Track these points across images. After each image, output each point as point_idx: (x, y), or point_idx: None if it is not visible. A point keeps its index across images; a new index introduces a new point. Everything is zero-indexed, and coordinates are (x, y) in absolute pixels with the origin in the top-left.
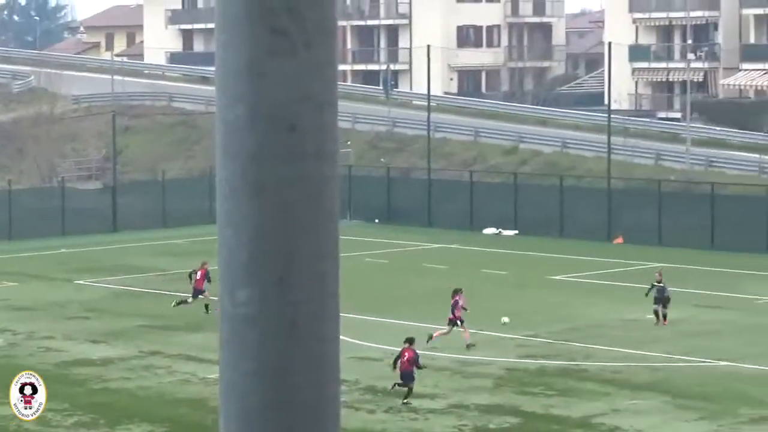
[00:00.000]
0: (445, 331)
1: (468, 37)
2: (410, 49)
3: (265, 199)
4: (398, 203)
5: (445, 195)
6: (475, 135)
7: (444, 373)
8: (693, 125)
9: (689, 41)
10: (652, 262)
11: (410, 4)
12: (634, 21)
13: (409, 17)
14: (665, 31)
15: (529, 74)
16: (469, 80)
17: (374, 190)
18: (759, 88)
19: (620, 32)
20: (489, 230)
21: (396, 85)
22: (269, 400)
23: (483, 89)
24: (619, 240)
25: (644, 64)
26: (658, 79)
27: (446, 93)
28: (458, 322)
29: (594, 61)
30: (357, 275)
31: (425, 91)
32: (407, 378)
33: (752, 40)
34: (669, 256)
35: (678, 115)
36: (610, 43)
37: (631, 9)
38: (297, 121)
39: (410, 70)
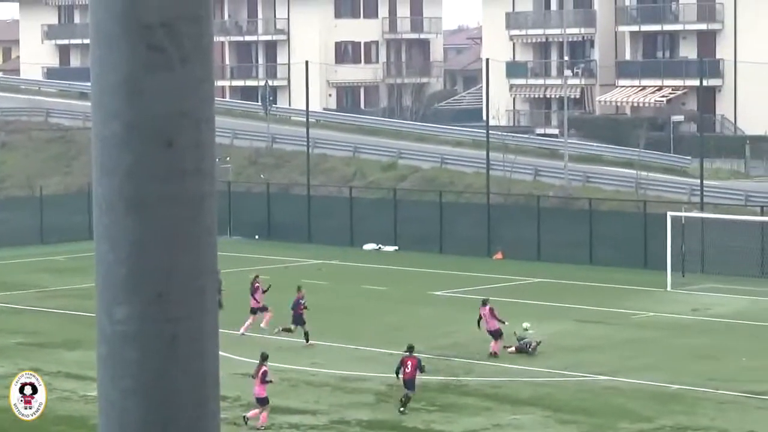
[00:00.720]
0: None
1: (346, 53)
2: (289, 65)
3: (142, 216)
4: (278, 219)
5: (325, 211)
6: (354, 151)
7: (325, 388)
8: (570, 141)
9: (566, 58)
10: (531, 278)
11: (288, 20)
12: (512, 37)
13: (288, 33)
14: (542, 48)
15: (408, 90)
16: (347, 96)
17: (254, 206)
18: (635, 104)
19: (498, 48)
20: (369, 246)
21: (275, 101)
22: (149, 417)
23: (362, 105)
24: (499, 255)
25: (522, 81)
26: (536, 96)
27: (325, 109)
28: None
29: (472, 78)
30: (237, 292)
31: (304, 107)
32: (410, 386)
33: (628, 57)
34: (548, 271)
35: (556, 131)
36: (487, 60)
37: (509, 26)
38: (174, 137)
39: (289, 86)
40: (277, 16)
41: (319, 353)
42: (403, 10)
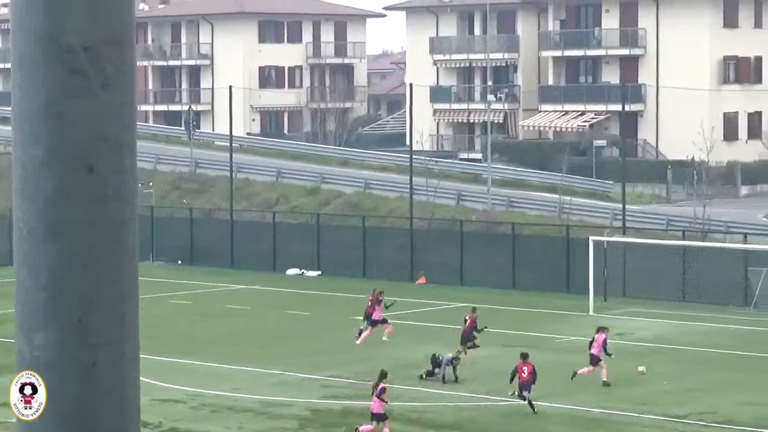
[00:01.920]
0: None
1: (270, 77)
2: (212, 89)
3: (63, 241)
4: (201, 244)
5: (248, 236)
6: (278, 176)
7: (247, 414)
8: (494, 166)
9: (489, 83)
10: (454, 302)
11: (212, 45)
12: (435, 62)
13: (211, 58)
14: (466, 73)
15: (332, 115)
16: (271, 121)
17: (177, 231)
18: (558, 129)
19: (422, 73)
20: (292, 271)
21: (198, 126)
22: None
23: (285, 130)
24: (422, 280)
25: (445, 105)
26: (459, 120)
27: (249, 134)
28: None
29: (396, 102)
30: (160, 317)
31: (227, 132)
32: (527, 388)
33: (550, 82)
34: (471, 296)
35: (479, 155)
36: (411, 84)
37: (432, 50)
38: (95, 162)
39: (212, 110)
40: (200, 41)
41: (241, 378)
42: (327, 35)
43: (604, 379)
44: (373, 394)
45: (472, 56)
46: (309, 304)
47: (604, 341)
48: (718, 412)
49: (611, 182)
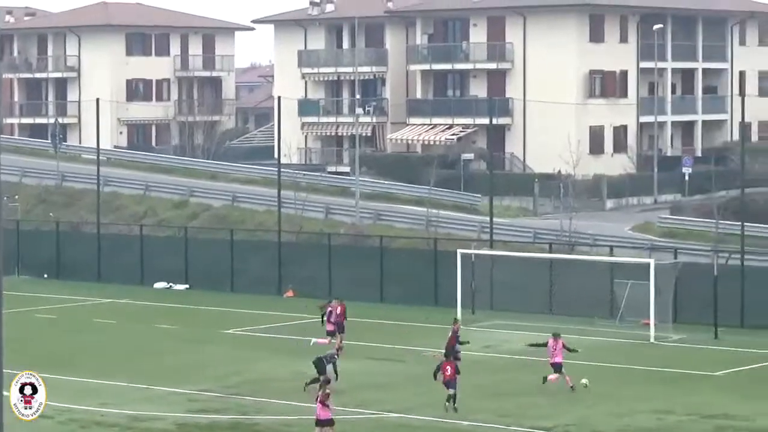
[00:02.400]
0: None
1: (138, 90)
2: (79, 102)
3: None
4: (68, 258)
5: (115, 249)
6: (146, 189)
7: (114, 429)
8: (362, 179)
9: (358, 96)
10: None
11: (79, 57)
12: (304, 75)
13: (78, 70)
14: (334, 86)
15: (199, 128)
16: (139, 134)
17: (43, 245)
18: (425, 142)
19: (290, 86)
20: (160, 284)
21: (65, 139)
22: None
23: (153, 143)
24: (290, 294)
25: (314, 119)
26: (328, 134)
27: (116, 147)
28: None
29: (264, 115)
30: (26, 331)
31: (95, 145)
32: (452, 385)
33: (419, 95)
34: None
35: (347, 169)
36: (279, 98)
37: (300, 64)
38: None
39: (79, 123)
40: (67, 53)
41: (108, 393)
42: (195, 48)
43: (571, 385)
44: (317, 400)
45: (341, 69)
46: (177, 318)
47: (563, 346)
48: (585, 424)
49: (479, 195)
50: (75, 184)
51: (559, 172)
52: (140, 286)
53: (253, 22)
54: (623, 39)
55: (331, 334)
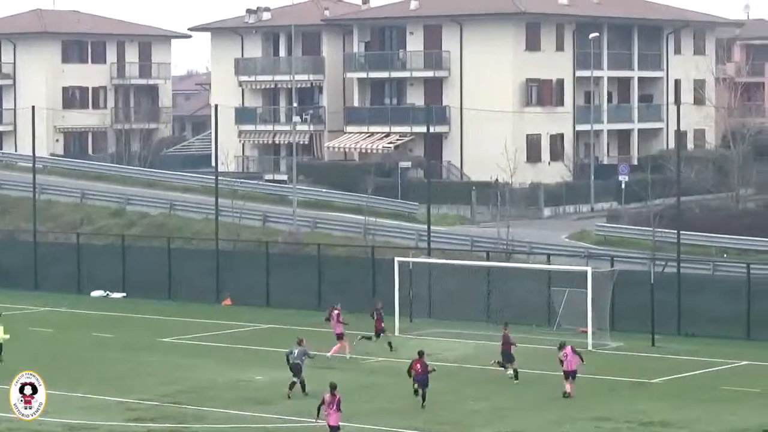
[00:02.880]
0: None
1: (74, 98)
2: (15, 110)
3: None
4: (4, 266)
5: (52, 257)
6: (82, 197)
7: None
8: (299, 187)
9: (295, 104)
10: (260, 324)
11: (15, 64)
12: (241, 83)
13: (14, 78)
14: (271, 94)
15: (136, 136)
16: (75, 142)
17: None
18: (363, 150)
19: (227, 94)
20: (97, 293)
21: (0, 147)
22: None
23: (90, 151)
24: (228, 302)
25: (251, 127)
26: (265, 142)
27: (52, 154)
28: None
29: (201, 123)
30: None
31: (30, 153)
32: (423, 382)
33: (356, 103)
34: (277, 317)
35: (285, 177)
36: (216, 106)
37: (237, 72)
38: None
39: (15, 131)
40: (2, 61)
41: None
42: (132, 56)
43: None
44: (328, 408)
45: (278, 78)
46: (114, 326)
47: (572, 350)
48: (524, 431)
49: (416, 203)
50: (11, 192)
51: (497, 180)
52: (77, 294)
53: (190, 29)
54: (559, 48)
55: (339, 337)
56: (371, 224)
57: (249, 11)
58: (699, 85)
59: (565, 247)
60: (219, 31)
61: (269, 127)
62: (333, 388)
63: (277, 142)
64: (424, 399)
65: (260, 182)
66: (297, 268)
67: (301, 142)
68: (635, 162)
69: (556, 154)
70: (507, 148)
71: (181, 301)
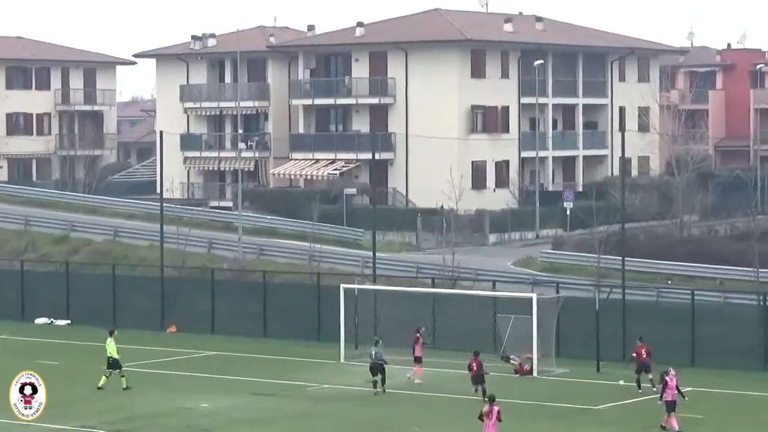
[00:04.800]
0: None
1: (18, 124)
2: None
3: None
4: None
5: None
6: (26, 224)
7: None
8: (244, 214)
9: (240, 131)
10: (205, 351)
11: None
12: (186, 110)
13: None
14: (217, 121)
15: (81, 162)
16: (19, 168)
17: None
18: (308, 177)
19: (172, 121)
20: (41, 320)
21: None
22: None
23: (34, 177)
24: (173, 329)
25: (196, 153)
26: (210, 168)
27: None
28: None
29: (146, 150)
30: None
31: None
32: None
33: (301, 130)
34: (222, 344)
35: (230, 203)
36: (161, 132)
37: (183, 98)
38: None
39: None
40: None
41: None
42: (77, 82)
43: (677, 429)
44: (487, 419)
45: (223, 104)
46: (59, 354)
47: (676, 384)
48: None
49: (362, 230)
50: None
51: (442, 206)
52: (21, 321)
53: (135, 56)
54: (504, 74)
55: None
56: (316, 251)
57: (194, 38)
58: (643, 112)
59: (510, 273)
60: (164, 57)
61: (214, 154)
62: (492, 400)
63: (222, 168)
64: (484, 393)
65: (205, 209)
66: (242, 295)
67: (247, 169)
68: (580, 189)
69: (502, 181)
70: (452, 175)
71: (125, 328)
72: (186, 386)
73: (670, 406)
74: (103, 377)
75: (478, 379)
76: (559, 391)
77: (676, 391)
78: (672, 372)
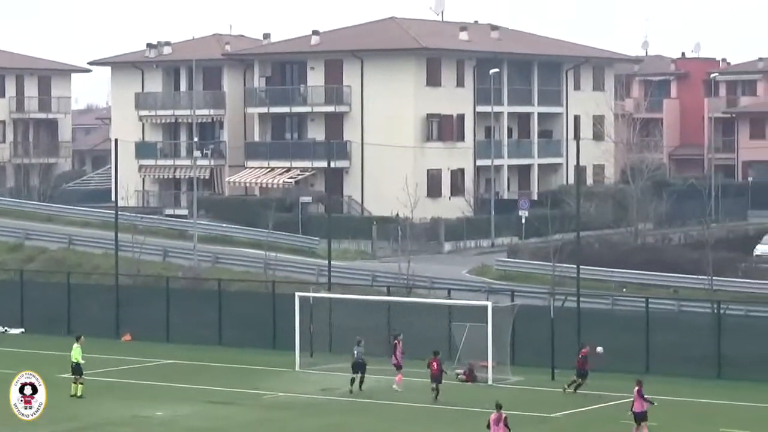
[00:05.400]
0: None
1: None
2: None
3: None
4: None
5: None
6: None
7: None
8: (200, 222)
9: (195, 139)
10: (160, 359)
11: None
12: (141, 118)
13: None
14: (172, 129)
15: (35, 170)
16: None
17: None
18: (264, 185)
19: (127, 129)
20: None
21: None
22: None
23: None
24: (127, 337)
25: (151, 161)
26: (165, 176)
27: None
28: None
29: (101, 158)
30: None
31: None
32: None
33: (257, 138)
34: (177, 352)
35: (185, 211)
36: (116, 140)
37: (138, 106)
38: None
39: None
40: None
41: None
42: (31, 90)
43: None
44: (495, 426)
45: (179, 112)
46: (12, 363)
47: (640, 393)
48: None
49: (317, 238)
50: None
51: (397, 215)
52: None
53: (90, 63)
54: (460, 83)
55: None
56: (272, 259)
57: (150, 45)
58: (598, 121)
59: (465, 281)
60: (119, 65)
61: (170, 162)
62: (499, 407)
63: (177, 176)
64: (438, 393)
65: (160, 217)
66: (197, 303)
67: (202, 177)
68: (535, 197)
69: (457, 189)
70: (408, 183)
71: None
72: (141, 395)
73: (639, 417)
74: (72, 384)
75: (437, 377)
76: (515, 399)
77: (643, 400)
78: (637, 386)
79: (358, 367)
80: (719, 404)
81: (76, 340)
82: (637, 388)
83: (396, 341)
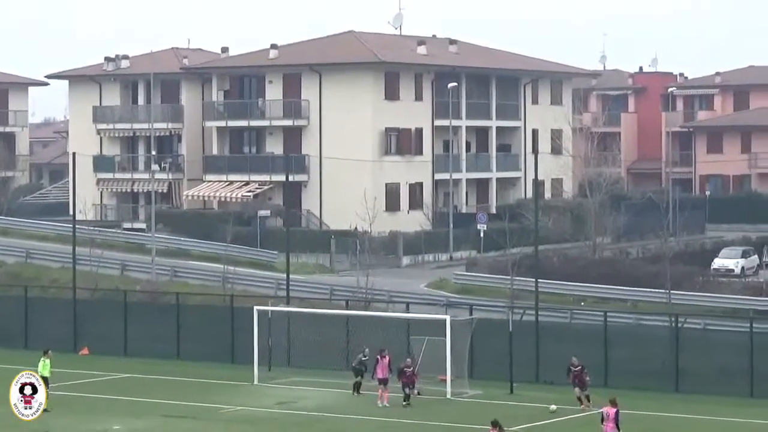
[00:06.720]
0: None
1: None
2: None
3: None
4: None
5: None
6: None
7: None
8: (158, 236)
9: (153, 152)
10: (118, 373)
11: None
12: (99, 131)
13: None
14: (130, 142)
15: None
16: None
17: None
18: (222, 199)
19: (85, 142)
20: None
21: None
22: None
23: None
24: (85, 351)
25: (109, 175)
26: (123, 190)
27: None
28: None
29: (59, 171)
30: None
31: None
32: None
33: (215, 152)
34: (135, 366)
35: (143, 225)
36: (74, 154)
37: (96, 119)
38: None
39: None
40: None
41: None
42: None
43: None
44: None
45: (136, 126)
46: None
47: (617, 414)
48: None
49: (275, 252)
50: None
51: (356, 228)
52: None
53: (47, 77)
54: (418, 97)
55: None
56: (230, 273)
57: (107, 59)
58: (556, 135)
59: (424, 295)
60: (77, 78)
61: (127, 176)
62: (494, 424)
63: (135, 190)
64: (408, 397)
65: (118, 231)
66: (155, 317)
67: (160, 191)
68: (494, 211)
69: (415, 203)
70: (366, 197)
71: (37, 350)
72: (99, 409)
73: None
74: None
75: (409, 385)
76: (472, 413)
77: (613, 424)
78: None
79: (358, 371)
80: (677, 417)
81: (44, 354)
82: (615, 410)
83: (381, 356)
